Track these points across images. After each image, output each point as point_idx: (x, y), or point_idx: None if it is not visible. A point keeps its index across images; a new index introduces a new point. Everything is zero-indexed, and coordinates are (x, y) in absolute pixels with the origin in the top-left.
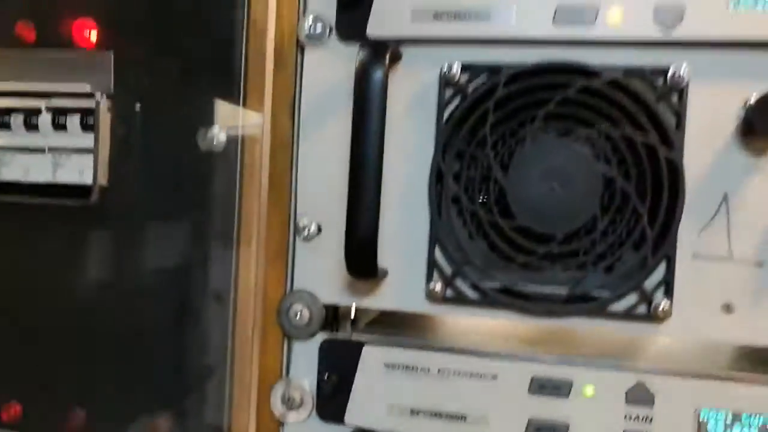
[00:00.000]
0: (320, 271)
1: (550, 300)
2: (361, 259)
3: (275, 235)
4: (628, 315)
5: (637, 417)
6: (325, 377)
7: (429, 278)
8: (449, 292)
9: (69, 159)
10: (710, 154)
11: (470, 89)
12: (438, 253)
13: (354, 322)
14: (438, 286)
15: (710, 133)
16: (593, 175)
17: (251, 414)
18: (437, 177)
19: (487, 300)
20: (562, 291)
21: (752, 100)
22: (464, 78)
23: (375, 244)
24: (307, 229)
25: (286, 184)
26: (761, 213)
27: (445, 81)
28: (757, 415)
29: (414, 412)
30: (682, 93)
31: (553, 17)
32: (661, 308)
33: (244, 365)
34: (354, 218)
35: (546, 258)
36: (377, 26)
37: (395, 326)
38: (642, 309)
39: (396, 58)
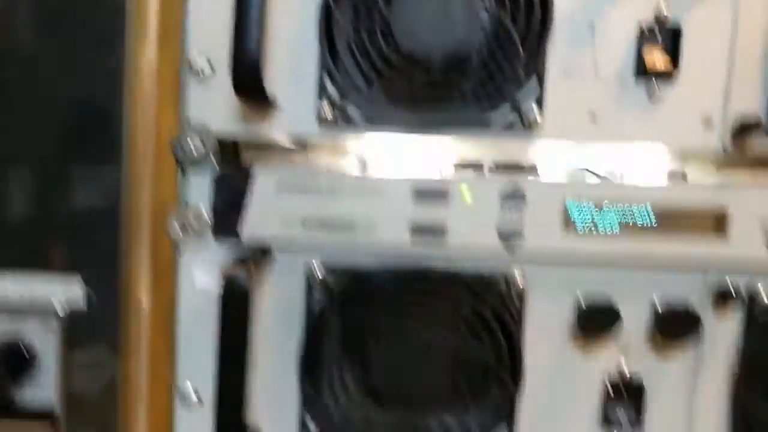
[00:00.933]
0: (213, 106)
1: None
2: (248, 78)
3: (168, 73)
4: (504, 125)
5: (510, 217)
6: (219, 201)
7: (319, 99)
8: (337, 114)
9: None
10: None
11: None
12: (327, 80)
13: None
14: (326, 108)
15: None
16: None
17: (145, 243)
18: (326, 9)
19: (374, 120)
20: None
21: None
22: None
23: (259, 63)
24: (198, 66)
25: (177, 25)
26: (623, 36)
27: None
28: (617, 205)
29: (305, 224)
30: None
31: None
32: (532, 118)
33: (142, 195)
34: (239, 37)
35: (429, 85)
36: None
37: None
38: (516, 120)
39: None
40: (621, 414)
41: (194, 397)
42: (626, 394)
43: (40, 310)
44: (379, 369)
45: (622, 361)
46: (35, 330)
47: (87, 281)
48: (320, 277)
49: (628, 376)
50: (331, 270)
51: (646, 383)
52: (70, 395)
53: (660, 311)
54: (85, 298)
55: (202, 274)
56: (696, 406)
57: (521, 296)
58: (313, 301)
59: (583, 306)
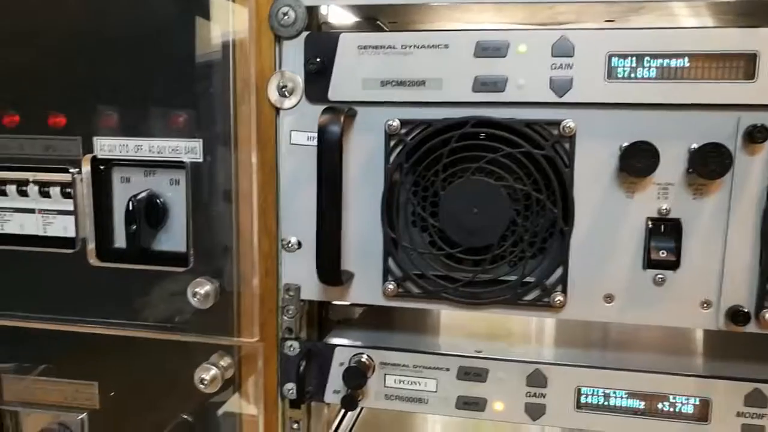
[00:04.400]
0: None
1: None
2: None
3: None
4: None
5: (560, 65)
6: (310, 63)
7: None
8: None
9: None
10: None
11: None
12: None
13: None
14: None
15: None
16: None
17: (252, 106)
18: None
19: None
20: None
21: None
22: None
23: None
24: None
25: None
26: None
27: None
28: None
29: (383, 83)
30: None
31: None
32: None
33: (244, 66)
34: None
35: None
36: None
37: None
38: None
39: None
40: (661, 250)
41: (295, 243)
42: (665, 231)
43: (170, 169)
44: (446, 215)
45: (661, 198)
46: (167, 186)
47: (206, 143)
48: (397, 131)
49: (666, 212)
50: (406, 124)
51: (683, 220)
52: (196, 240)
53: (694, 150)
54: (205, 157)
55: (298, 131)
56: (730, 240)
57: (572, 141)
58: (392, 153)
59: (625, 148)
